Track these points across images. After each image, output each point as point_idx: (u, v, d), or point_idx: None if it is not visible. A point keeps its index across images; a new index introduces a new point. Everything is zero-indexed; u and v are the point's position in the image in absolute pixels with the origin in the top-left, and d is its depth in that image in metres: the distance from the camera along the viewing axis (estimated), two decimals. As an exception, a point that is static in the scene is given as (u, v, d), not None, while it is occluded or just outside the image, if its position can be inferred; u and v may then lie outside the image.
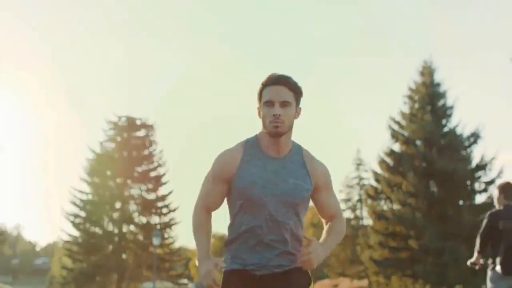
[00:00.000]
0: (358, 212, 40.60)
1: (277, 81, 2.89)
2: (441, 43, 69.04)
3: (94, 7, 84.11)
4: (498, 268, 6.03)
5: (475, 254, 6.24)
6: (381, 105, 65.89)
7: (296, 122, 2.96)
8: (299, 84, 2.95)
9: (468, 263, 6.37)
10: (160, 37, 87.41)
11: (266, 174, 2.89)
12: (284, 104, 2.87)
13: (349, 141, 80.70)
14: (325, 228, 3.09)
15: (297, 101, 2.95)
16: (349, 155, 77.80)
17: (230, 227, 2.99)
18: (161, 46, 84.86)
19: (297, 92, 2.93)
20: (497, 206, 6.27)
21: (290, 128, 2.92)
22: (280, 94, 2.88)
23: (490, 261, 6.11)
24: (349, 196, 41.03)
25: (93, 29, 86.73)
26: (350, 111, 77.56)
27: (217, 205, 3.02)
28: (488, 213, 6.29)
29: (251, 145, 2.96)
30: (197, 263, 2.91)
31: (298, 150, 2.99)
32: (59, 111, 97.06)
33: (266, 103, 2.89)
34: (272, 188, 2.87)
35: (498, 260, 6.02)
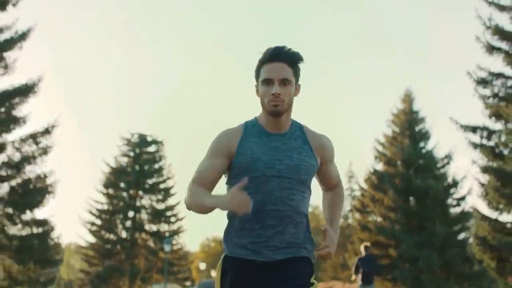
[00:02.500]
0: (350, 221, 46.07)
1: (276, 57, 2.85)
2: (440, 44, 73.62)
3: (93, 8, 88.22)
4: (360, 282, 13.01)
5: (353, 276, 13.11)
6: (381, 107, 70.47)
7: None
8: (300, 55, 2.91)
9: (352, 279, 12.59)
10: (160, 38, 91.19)
11: (269, 151, 2.88)
12: (284, 82, 2.84)
13: (349, 142, 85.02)
14: (326, 198, 3.19)
15: (297, 77, 2.91)
16: (349, 156, 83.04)
17: None
18: (161, 47, 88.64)
19: (297, 68, 2.90)
20: (362, 254, 13.33)
21: (289, 106, 2.89)
22: (280, 71, 2.83)
23: (359, 278, 13.03)
24: (341, 206, 46.45)
25: (92, 30, 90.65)
26: (350, 114, 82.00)
27: (212, 181, 2.92)
28: (357, 258, 13.37)
29: (251, 125, 2.96)
30: (214, 206, 2.76)
31: (298, 126, 2.99)
32: (56, 112, 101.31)
33: (264, 81, 2.85)
34: (276, 164, 2.86)
35: (360, 277, 12.97)
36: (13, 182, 21.23)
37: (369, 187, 34.44)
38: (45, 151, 21.31)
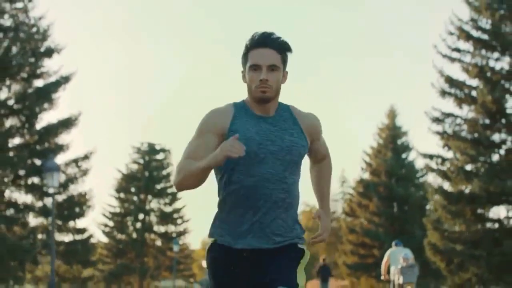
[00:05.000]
0: (341, 223, 52.01)
1: (264, 43, 2.91)
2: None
3: (93, 9, 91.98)
4: (320, 282, 19.79)
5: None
6: (380, 107, 75.66)
7: None
8: (289, 44, 2.97)
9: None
10: (160, 37, 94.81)
11: (262, 131, 2.92)
12: (272, 68, 2.89)
13: (349, 142, 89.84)
14: (313, 169, 3.24)
15: (285, 64, 2.97)
16: (348, 155, 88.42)
17: (221, 189, 2.97)
18: (161, 47, 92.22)
19: (285, 54, 2.95)
20: (321, 263, 20.33)
21: (277, 93, 2.94)
22: (268, 57, 2.89)
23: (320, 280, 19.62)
24: (333, 209, 52.63)
25: (92, 30, 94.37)
26: (349, 113, 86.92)
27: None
28: (318, 265, 20.61)
29: (239, 106, 2.99)
30: (208, 163, 2.77)
31: (285, 107, 3.04)
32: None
33: (252, 67, 2.90)
34: (269, 145, 2.90)
35: (320, 282, 19.84)
36: (60, 198, 27.39)
37: (357, 194, 40.67)
38: (85, 173, 27.61)
